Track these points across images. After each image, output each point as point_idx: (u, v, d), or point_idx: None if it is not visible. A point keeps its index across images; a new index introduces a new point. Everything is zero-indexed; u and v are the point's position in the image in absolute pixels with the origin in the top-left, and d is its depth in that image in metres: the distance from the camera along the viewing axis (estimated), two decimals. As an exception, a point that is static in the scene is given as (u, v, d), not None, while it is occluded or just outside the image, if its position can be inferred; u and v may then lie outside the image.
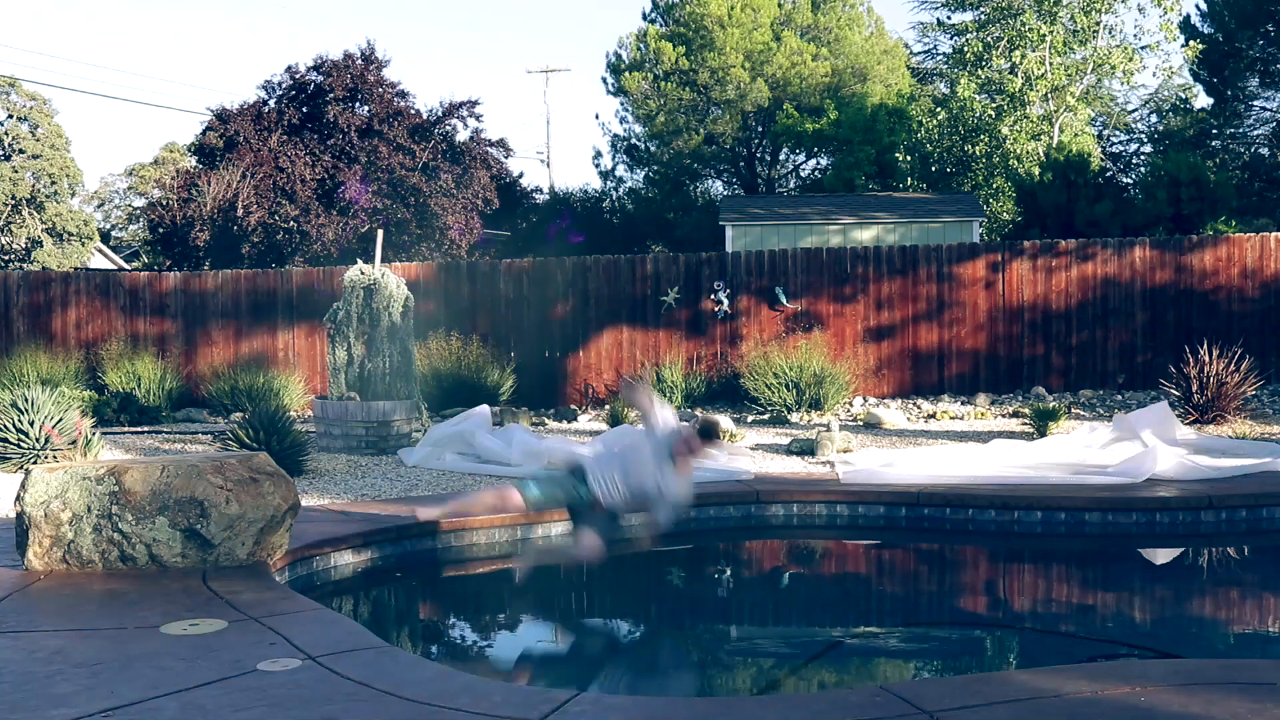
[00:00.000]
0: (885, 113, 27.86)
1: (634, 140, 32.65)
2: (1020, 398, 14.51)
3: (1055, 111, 24.96)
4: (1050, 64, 24.17)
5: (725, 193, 32.09)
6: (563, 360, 15.64)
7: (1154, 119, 33.87)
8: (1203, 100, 30.26)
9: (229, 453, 7.72)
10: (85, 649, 4.20)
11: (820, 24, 30.36)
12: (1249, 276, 14.75)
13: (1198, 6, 29.46)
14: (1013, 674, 4.25)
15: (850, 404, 14.54)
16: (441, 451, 10.08)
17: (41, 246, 28.89)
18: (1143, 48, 24.98)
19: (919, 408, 14.06)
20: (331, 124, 22.98)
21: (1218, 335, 14.03)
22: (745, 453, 10.47)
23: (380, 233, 12.19)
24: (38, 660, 4.03)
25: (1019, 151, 24.51)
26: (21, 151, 29.27)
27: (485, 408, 10.90)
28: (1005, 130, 24.46)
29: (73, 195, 31.11)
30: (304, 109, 23.71)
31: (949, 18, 31.02)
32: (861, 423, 12.85)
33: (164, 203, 23.09)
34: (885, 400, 14.89)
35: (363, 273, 11.21)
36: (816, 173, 31.49)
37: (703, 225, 28.47)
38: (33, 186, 29.00)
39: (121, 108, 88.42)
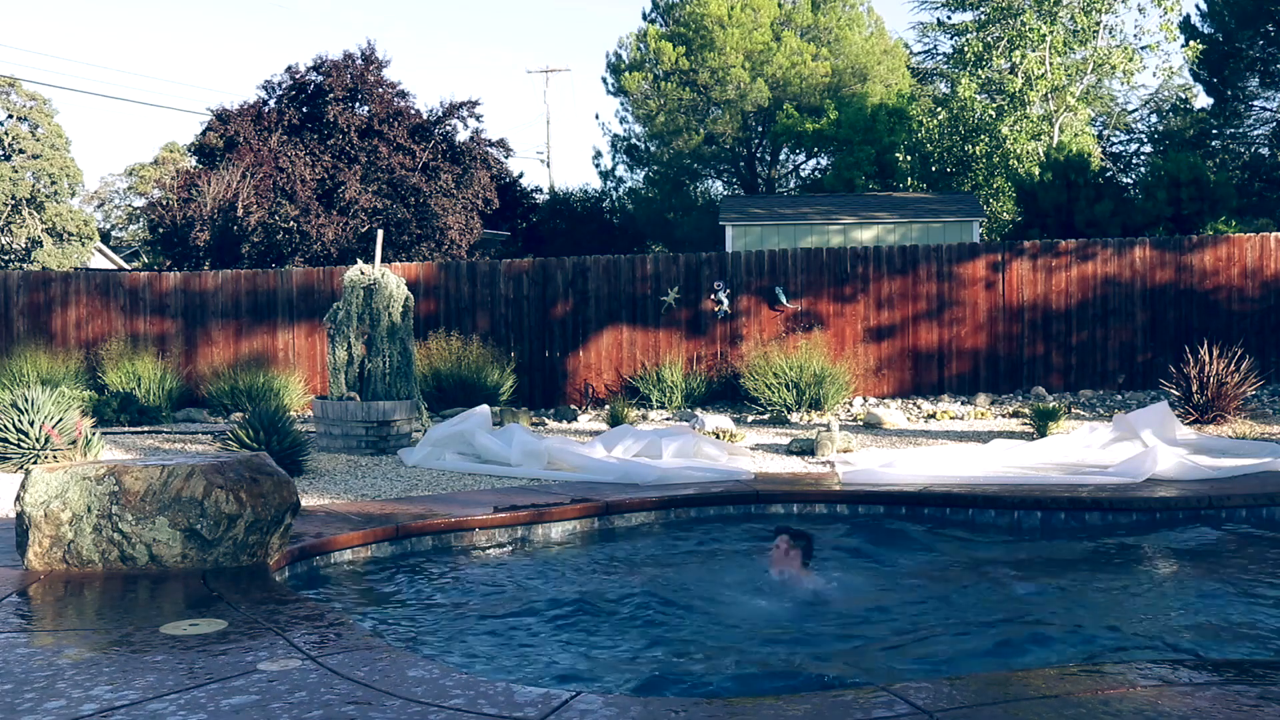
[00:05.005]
0: (885, 113, 27.87)
1: (634, 140, 32.67)
2: (1020, 398, 14.52)
3: (1055, 111, 24.97)
4: (1050, 64, 24.18)
5: (725, 193, 32.11)
6: (563, 360, 15.65)
7: (1154, 119, 33.89)
8: (1203, 100, 30.30)
9: (229, 453, 7.72)
10: (85, 649, 4.20)
11: (820, 24, 30.37)
12: (1249, 276, 14.76)
13: (1198, 6, 29.47)
14: (1013, 674, 4.25)
15: (850, 404, 14.54)
16: (441, 451, 10.08)
17: (41, 246, 28.90)
18: (1143, 48, 24.99)
19: (919, 408, 14.06)
20: (331, 124, 22.98)
21: (1218, 335, 14.04)
22: (745, 453, 10.47)
23: (380, 233, 12.19)
24: (37, 660, 4.03)
25: (1019, 151, 24.52)
26: (21, 151, 29.27)
27: (485, 408, 10.89)
28: (1005, 130, 24.46)
29: (73, 195, 31.12)
30: (304, 109, 23.72)
31: (949, 18, 31.05)
32: (861, 423, 12.85)
33: (164, 203, 23.09)
34: (885, 400, 14.89)
35: (363, 273, 11.20)
36: (816, 173, 31.50)
37: (703, 225, 28.47)
38: (33, 186, 29.00)
39: (121, 108, 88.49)
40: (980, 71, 25.68)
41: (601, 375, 15.57)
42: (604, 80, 32.89)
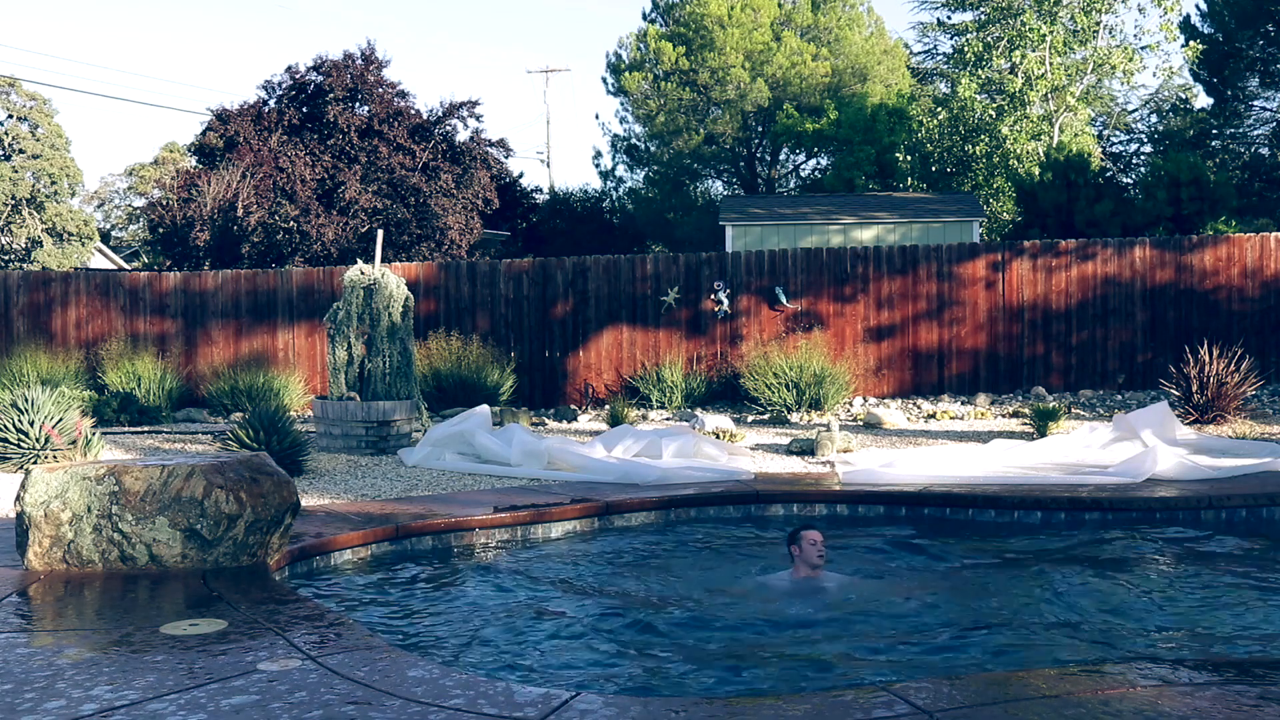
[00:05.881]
0: (885, 113, 27.86)
1: (634, 140, 32.67)
2: (1020, 398, 14.51)
3: (1055, 111, 24.97)
4: (1050, 64, 24.18)
5: (725, 193, 32.10)
6: (563, 360, 15.65)
7: (1154, 119, 33.88)
8: (1203, 100, 30.30)
9: (229, 453, 7.72)
10: (85, 649, 4.20)
11: (820, 24, 30.37)
12: (1249, 276, 14.76)
13: (1198, 6, 29.47)
14: (1013, 674, 4.26)
15: (850, 404, 14.54)
16: (441, 451, 10.08)
17: (41, 246, 28.89)
18: (1143, 48, 24.99)
19: (919, 408, 14.06)
20: (331, 124, 22.98)
21: (1218, 335, 14.04)
22: (745, 453, 10.46)
23: (380, 233, 12.19)
24: (37, 660, 4.03)
25: (1019, 151, 24.52)
26: (21, 151, 29.26)
27: (485, 408, 10.90)
28: (1005, 130, 24.47)
29: (73, 195, 31.10)
30: (304, 109, 23.72)
31: (949, 18, 31.05)
32: (861, 423, 12.85)
33: (164, 203, 23.09)
34: (885, 400, 14.89)
35: (363, 273, 11.20)
36: (816, 173, 31.50)
37: (703, 225, 28.47)
38: (33, 186, 28.99)
39: (121, 108, 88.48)
40: (980, 71, 25.68)
41: (601, 375, 15.57)
42: (604, 80, 32.91)
